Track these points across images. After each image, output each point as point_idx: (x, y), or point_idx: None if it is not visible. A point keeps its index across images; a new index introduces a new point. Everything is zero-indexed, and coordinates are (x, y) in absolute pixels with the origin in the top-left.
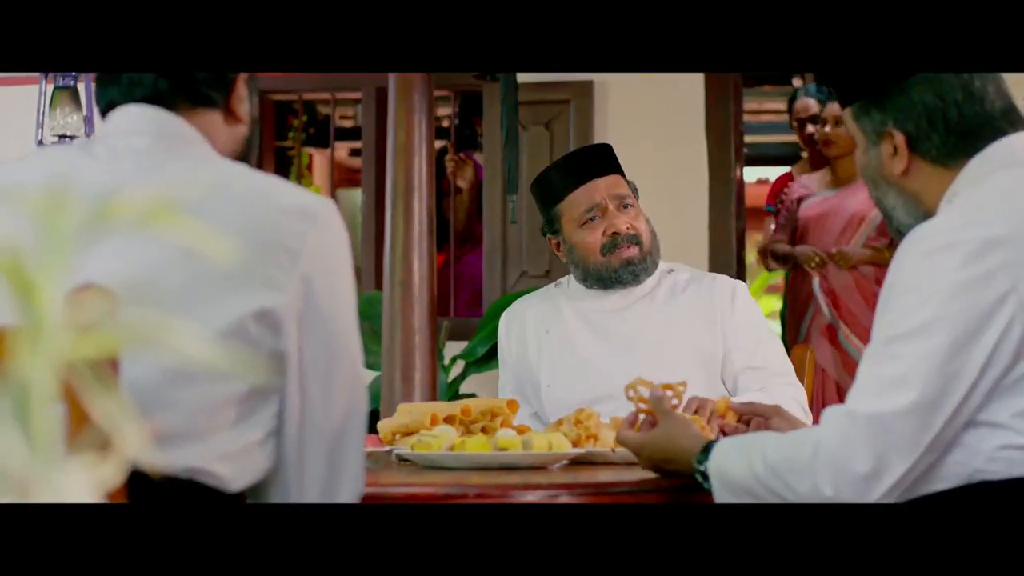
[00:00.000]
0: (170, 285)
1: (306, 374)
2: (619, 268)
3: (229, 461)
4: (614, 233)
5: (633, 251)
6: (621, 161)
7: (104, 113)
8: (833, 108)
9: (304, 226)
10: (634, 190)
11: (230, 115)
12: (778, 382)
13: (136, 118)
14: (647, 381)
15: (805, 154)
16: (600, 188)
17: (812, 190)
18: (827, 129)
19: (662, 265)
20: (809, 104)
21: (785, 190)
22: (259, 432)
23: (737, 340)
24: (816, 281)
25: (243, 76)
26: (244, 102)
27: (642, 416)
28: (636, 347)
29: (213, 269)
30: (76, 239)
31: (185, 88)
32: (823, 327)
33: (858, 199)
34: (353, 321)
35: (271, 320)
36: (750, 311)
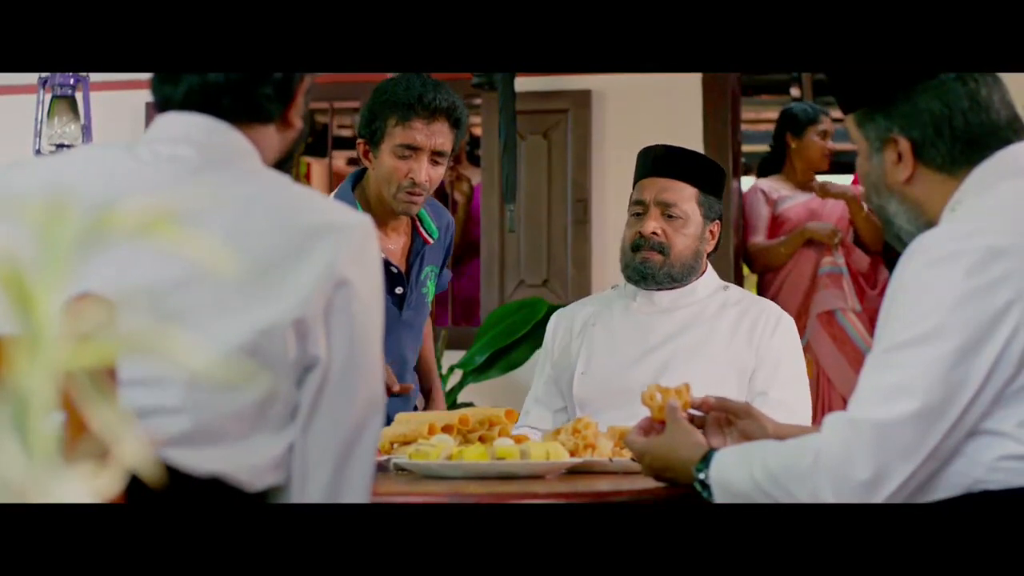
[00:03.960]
0: (202, 293)
1: (328, 384)
2: (636, 265)
3: (248, 465)
4: (640, 234)
5: (654, 256)
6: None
7: (158, 109)
8: (829, 120)
9: (337, 240)
10: (709, 208)
11: (285, 124)
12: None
13: (186, 126)
14: (664, 388)
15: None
16: (652, 188)
17: (784, 193)
18: (829, 142)
19: (717, 281)
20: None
21: (760, 194)
22: (277, 437)
23: (765, 363)
24: (839, 259)
25: (304, 87)
26: (300, 109)
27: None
28: (674, 349)
29: (244, 279)
30: (110, 244)
31: (249, 107)
32: (820, 313)
33: (835, 201)
34: (378, 335)
35: (300, 329)
36: (788, 343)
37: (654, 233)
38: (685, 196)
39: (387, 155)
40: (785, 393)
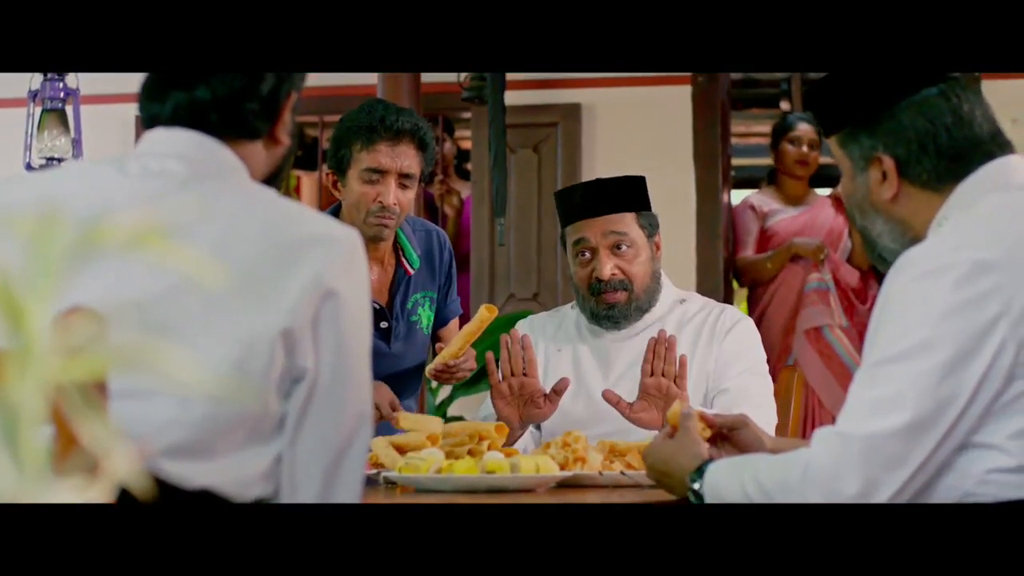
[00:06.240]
0: (190, 305)
1: (315, 396)
2: (603, 311)
3: (236, 477)
4: (598, 279)
5: (619, 296)
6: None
7: (146, 125)
8: (812, 130)
9: (325, 252)
10: (649, 225)
11: (273, 141)
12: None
13: (174, 142)
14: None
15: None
16: (594, 228)
17: (774, 207)
18: (804, 149)
19: (674, 295)
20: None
21: (750, 208)
22: (265, 449)
23: (720, 361)
24: (826, 275)
25: (290, 103)
26: (288, 126)
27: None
28: (638, 374)
29: (232, 290)
30: (100, 257)
31: (236, 123)
32: (807, 330)
33: (827, 215)
34: (367, 347)
35: (288, 341)
36: (743, 339)
37: (613, 274)
38: (627, 223)
39: (354, 181)
40: (741, 382)
